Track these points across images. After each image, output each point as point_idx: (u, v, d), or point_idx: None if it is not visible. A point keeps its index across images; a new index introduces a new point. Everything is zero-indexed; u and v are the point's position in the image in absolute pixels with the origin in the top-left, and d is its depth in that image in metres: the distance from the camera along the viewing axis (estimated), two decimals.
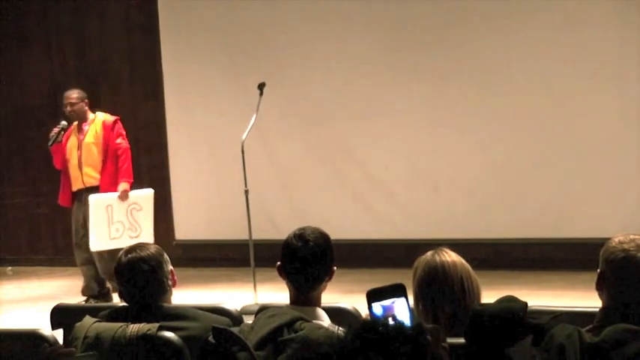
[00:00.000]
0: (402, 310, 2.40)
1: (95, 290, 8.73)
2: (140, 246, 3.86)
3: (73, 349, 3.52)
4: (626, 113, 9.09)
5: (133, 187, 8.77)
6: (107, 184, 8.63)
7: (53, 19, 11.53)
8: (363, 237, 10.00)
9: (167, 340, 3.57)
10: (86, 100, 8.83)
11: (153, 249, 3.84)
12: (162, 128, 10.94)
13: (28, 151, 11.72)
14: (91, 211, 8.47)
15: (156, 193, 11.14)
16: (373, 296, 2.40)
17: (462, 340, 3.02)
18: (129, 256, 3.79)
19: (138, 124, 11.21)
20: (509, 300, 3.04)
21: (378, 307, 2.40)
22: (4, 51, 11.70)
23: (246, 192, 8.12)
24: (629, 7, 9.02)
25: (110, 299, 8.64)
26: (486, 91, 9.53)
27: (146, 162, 11.23)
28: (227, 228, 10.21)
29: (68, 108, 8.80)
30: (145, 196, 8.74)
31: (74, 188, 8.77)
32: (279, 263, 3.56)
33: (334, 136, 10.10)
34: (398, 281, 2.45)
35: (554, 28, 9.24)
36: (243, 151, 8.03)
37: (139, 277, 3.75)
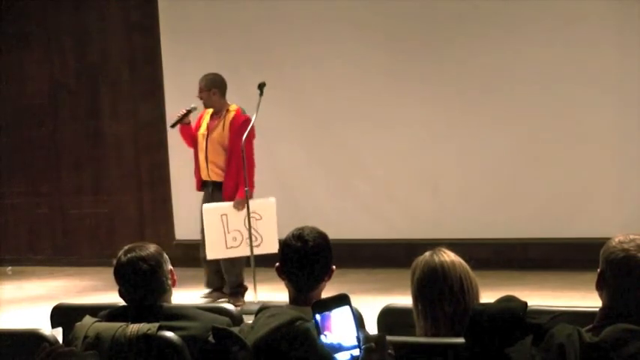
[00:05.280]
0: (343, 318, 2.40)
1: (214, 284, 8.43)
2: (140, 245, 3.85)
3: (74, 348, 3.52)
4: (626, 113, 9.08)
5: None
6: (231, 188, 8.24)
7: (53, 19, 11.52)
8: (362, 237, 9.99)
9: (167, 340, 3.57)
10: (214, 90, 8.25)
11: (152, 248, 3.83)
12: (162, 128, 10.93)
13: (28, 151, 11.71)
14: (205, 220, 8.22)
15: (156, 193, 11.23)
16: (317, 307, 2.42)
17: (461, 340, 3.02)
18: (128, 255, 3.79)
19: (138, 124, 11.22)
20: (509, 300, 3.04)
21: (318, 318, 2.42)
22: (4, 51, 11.69)
23: (247, 192, 8.12)
24: (629, 7, 9.02)
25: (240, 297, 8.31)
26: (486, 91, 9.53)
27: (146, 162, 11.24)
28: None
29: (198, 94, 8.36)
30: (266, 204, 8.23)
31: (202, 176, 8.40)
32: (277, 264, 3.56)
33: (334, 135, 10.10)
34: (343, 292, 2.46)
35: (553, 28, 9.24)
36: (243, 151, 8.02)
37: (138, 276, 3.74)
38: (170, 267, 3.87)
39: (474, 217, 9.55)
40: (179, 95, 10.71)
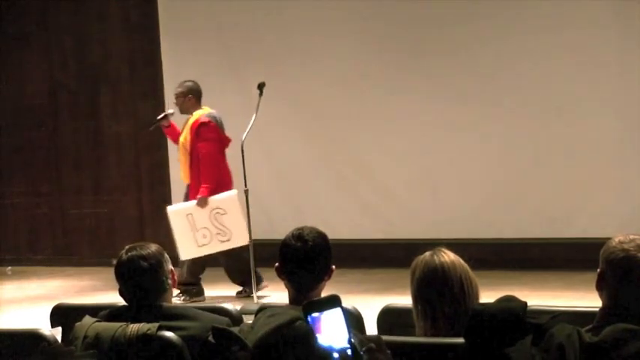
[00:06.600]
0: (333, 320, 2.40)
1: (238, 280, 8.48)
2: (141, 245, 3.85)
3: (73, 347, 3.52)
4: (626, 113, 9.08)
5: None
6: (196, 188, 8.36)
7: (53, 19, 11.52)
8: (362, 237, 9.99)
9: (167, 340, 3.57)
10: (190, 96, 8.49)
11: (153, 248, 3.83)
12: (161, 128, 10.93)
13: (28, 151, 11.71)
14: (171, 222, 8.32)
15: (156, 193, 11.22)
16: (309, 308, 2.42)
17: (461, 340, 3.02)
18: (129, 254, 3.79)
19: (138, 124, 11.21)
20: (509, 300, 3.04)
21: (310, 319, 2.42)
22: (4, 51, 11.70)
23: (246, 192, 8.12)
24: (629, 8, 9.02)
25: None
26: (486, 91, 9.53)
27: (146, 162, 11.24)
28: None
29: (174, 100, 8.60)
30: (227, 198, 8.24)
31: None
32: (277, 264, 3.57)
33: (334, 136, 10.10)
34: (334, 293, 2.46)
35: (553, 29, 9.24)
36: (242, 151, 8.02)
37: (138, 275, 3.74)
38: (171, 267, 3.87)
39: (474, 217, 9.55)
40: None
